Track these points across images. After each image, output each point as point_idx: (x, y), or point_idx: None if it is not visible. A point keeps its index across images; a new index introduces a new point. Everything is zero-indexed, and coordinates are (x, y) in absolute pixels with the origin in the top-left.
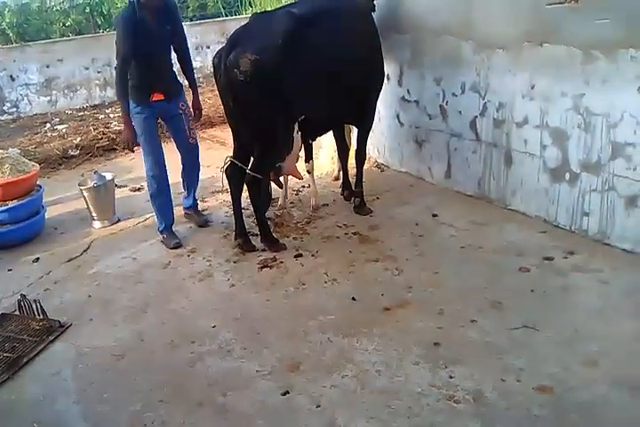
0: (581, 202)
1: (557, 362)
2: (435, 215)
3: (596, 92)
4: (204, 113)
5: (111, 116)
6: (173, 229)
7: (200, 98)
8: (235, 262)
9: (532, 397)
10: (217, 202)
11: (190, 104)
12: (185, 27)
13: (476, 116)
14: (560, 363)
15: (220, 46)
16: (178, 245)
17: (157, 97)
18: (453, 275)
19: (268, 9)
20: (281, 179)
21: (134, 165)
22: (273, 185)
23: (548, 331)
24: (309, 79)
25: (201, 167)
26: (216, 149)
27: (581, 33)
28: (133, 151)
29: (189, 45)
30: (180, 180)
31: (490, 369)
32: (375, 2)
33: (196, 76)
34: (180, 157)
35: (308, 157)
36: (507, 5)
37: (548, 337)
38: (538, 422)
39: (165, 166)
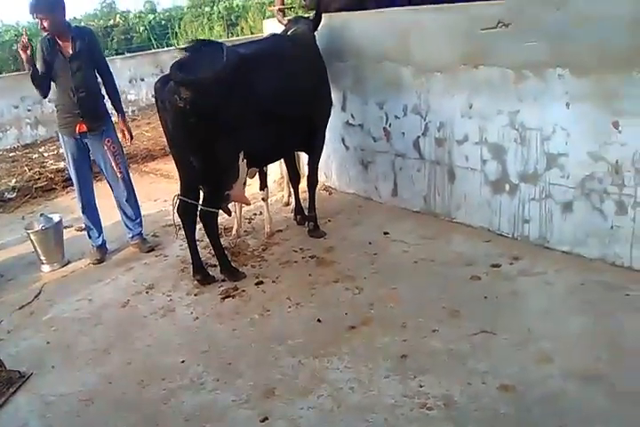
0: (522, 210)
1: (516, 362)
2: (386, 233)
3: (529, 109)
4: (143, 147)
5: (45, 154)
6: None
7: (137, 131)
8: (196, 295)
9: (496, 397)
10: (170, 236)
11: (119, 126)
12: (118, 60)
13: (419, 137)
14: (518, 362)
15: (155, 79)
16: (97, 262)
17: (82, 128)
18: (410, 289)
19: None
20: (231, 206)
21: (76, 204)
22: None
23: (504, 334)
24: (250, 116)
25: (138, 199)
26: (159, 182)
27: (513, 55)
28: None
29: (125, 78)
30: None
31: (456, 375)
32: (316, 33)
33: (131, 108)
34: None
35: (263, 185)
36: (442, 31)
37: (505, 340)
38: (505, 420)
39: (94, 204)
